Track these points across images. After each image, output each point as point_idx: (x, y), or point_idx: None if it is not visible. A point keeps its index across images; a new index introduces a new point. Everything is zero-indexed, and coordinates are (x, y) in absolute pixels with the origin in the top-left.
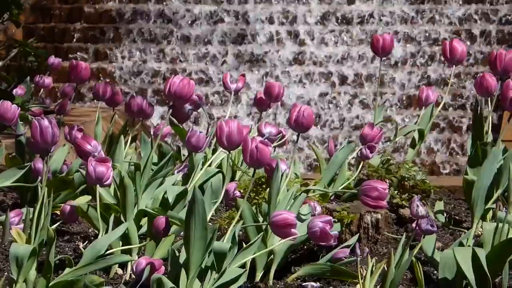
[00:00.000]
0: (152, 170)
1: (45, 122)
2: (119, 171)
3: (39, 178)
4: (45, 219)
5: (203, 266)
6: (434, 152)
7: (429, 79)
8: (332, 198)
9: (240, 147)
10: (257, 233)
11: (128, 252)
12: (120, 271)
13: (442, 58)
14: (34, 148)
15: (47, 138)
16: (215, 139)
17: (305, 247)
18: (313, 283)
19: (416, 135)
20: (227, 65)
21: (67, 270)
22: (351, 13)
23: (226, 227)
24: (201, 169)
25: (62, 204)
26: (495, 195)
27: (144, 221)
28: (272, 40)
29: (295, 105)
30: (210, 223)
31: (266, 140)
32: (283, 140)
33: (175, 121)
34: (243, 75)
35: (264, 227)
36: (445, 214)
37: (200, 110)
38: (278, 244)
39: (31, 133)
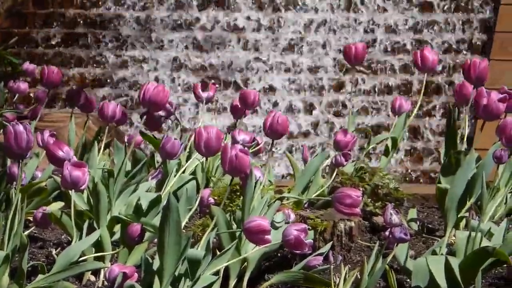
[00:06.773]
0: (126, 176)
1: (20, 127)
2: (92, 177)
3: (13, 183)
4: (18, 225)
5: (176, 273)
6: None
7: None
8: (306, 205)
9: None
10: (231, 241)
11: (101, 258)
12: (92, 278)
13: None
14: (8, 154)
15: (22, 144)
16: (188, 146)
17: (279, 254)
18: None
19: (389, 143)
20: None
21: (40, 276)
22: None
23: (200, 234)
24: (175, 175)
25: (35, 210)
26: (468, 204)
27: (117, 227)
28: None
29: (270, 112)
30: (184, 230)
31: (245, 148)
32: (257, 147)
33: (145, 131)
34: (214, 84)
35: (238, 234)
36: (418, 222)
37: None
38: (252, 251)
39: (5, 139)
